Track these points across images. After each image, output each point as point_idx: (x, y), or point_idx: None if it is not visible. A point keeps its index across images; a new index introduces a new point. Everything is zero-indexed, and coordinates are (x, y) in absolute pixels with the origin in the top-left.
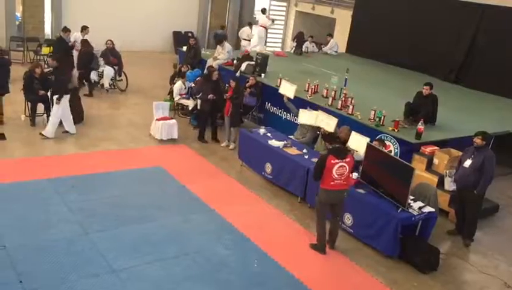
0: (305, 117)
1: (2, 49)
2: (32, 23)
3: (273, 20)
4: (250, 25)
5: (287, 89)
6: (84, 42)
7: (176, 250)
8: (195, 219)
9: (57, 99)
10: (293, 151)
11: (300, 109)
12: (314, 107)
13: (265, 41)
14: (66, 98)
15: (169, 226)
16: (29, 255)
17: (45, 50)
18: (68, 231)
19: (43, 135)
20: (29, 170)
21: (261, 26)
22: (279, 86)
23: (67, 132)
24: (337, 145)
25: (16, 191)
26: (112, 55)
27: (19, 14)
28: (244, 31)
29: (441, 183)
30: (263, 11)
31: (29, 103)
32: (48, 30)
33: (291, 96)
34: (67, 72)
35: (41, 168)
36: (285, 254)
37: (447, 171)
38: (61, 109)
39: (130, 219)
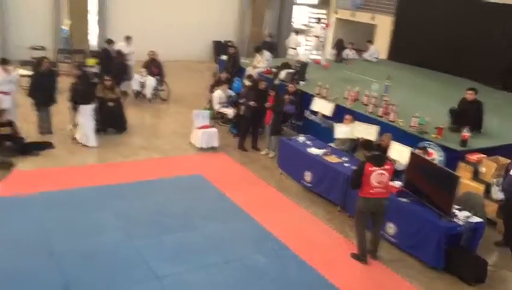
0: (342, 131)
1: (50, 61)
2: (78, 35)
3: (325, 26)
4: (297, 33)
5: (323, 107)
6: (118, 53)
7: (217, 258)
8: (235, 227)
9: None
10: (333, 159)
11: (334, 124)
12: (355, 114)
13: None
14: (86, 107)
15: (210, 234)
16: (76, 260)
17: (90, 61)
18: (113, 237)
19: (86, 145)
20: (76, 178)
21: (315, 36)
22: (317, 96)
23: (75, 138)
24: (375, 152)
25: (64, 198)
26: (154, 66)
27: (66, 27)
28: (292, 40)
29: (488, 192)
30: (318, 20)
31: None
32: (93, 42)
33: (329, 114)
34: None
35: (87, 176)
36: (324, 263)
37: (495, 180)
38: (84, 118)
39: (172, 226)
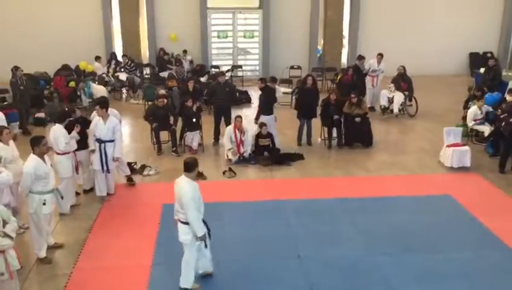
0: None
1: (314, 78)
2: (331, 54)
3: None
4: None
5: None
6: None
7: (464, 287)
8: (488, 257)
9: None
10: None
11: None
12: None
13: None
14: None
15: (458, 260)
16: (319, 267)
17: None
18: (354, 250)
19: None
20: (322, 189)
21: None
22: None
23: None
24: None
25: (310, 207)
26: (403, 81)
27: (320, 47)
28: None
29: None
30: None
31: (325, 128)
32: (344, 60)
33: None
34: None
35: (333, 188)
36: None
37: None
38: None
39: (416, 247)
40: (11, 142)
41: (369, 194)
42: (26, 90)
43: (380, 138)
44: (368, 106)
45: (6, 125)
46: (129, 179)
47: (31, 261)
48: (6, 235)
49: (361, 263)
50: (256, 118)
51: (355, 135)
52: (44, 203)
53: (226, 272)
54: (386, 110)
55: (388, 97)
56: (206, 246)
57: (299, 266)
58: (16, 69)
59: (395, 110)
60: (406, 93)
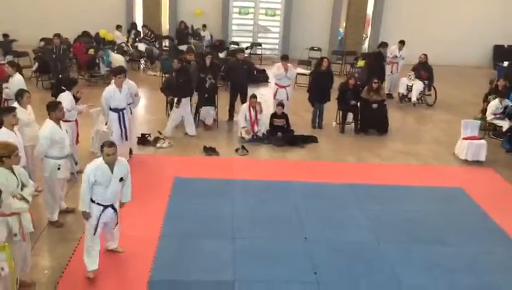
0: None
1: (329, 62)
2: (353, 38)
3: None
4: None
5: None
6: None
7: (470, 282)
8: (497, 253)
9: (176, 102)
10: None
11: None
12: None
13: None
14: (186, 100)
15: (466, 254)
16: (325, 250)
17: (360, 63)
18: (361, 236)
19: (160, 133)
20: (333, 173)
21: None
22: None
23: (187, 133)
24: None
25: (319, 190)
26: (424, 69)
27: (342, 30)
28: None
29: None
30: None
31: (340, 112)
32: (366, 45)
33: None
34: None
35: (344, 173)
36: None
37: None
38: (178, 111)
39: (424, 238)
40: (29, 106)
41: (380, 181)
42: (58, 59)
43: (395, 125)
44: (386, 92)
45: (26, 88)
46: (130, 152)
47: (43, 224)
48: (23, 198)
49: (368, 249)
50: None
51: (371, 121)
52: (59, 168)
53: (230, 250)
54: (404, 98)
55: (407, 85)
56: None
57: (305, 248)
58: (57, 36)
59: (413, 99)
60: (426, 82)
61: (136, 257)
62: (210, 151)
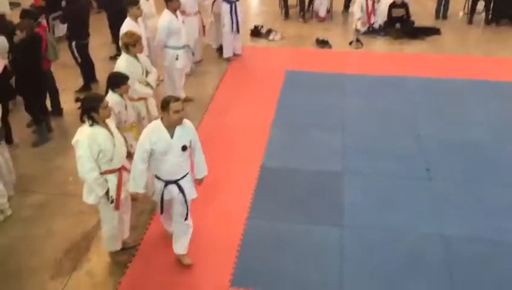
0: None
1: None
2: None
3: None
4: None
5: None
6: None
7: None
8: None
9: None
10: None
11: None
12: None
13: None
14: None
15: None
16: (439, 148)
17: None
18: (480, 135)
19: None
20: (455, 68)
21: None
22: None
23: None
24: None
25: (436, 85)
26: None
27: None
28: None
29: None
30: None
31: (470, 0)
32: None
33: None
34: None
35: (468, 68)
36: None
37: None
38: None
39: None
40: None
41: (509, 78)
42: None
43: None
44: None
45: None
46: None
47: None
48: (148, 84)
49: (486, 149)
50: None
51: (506, 9)
52: (177, 58)
53: (339, 142)
54: None
55: None
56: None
57: (418, 145)
58: None
59: None
60: None
61: (250, 143)
62: (322, 43)
